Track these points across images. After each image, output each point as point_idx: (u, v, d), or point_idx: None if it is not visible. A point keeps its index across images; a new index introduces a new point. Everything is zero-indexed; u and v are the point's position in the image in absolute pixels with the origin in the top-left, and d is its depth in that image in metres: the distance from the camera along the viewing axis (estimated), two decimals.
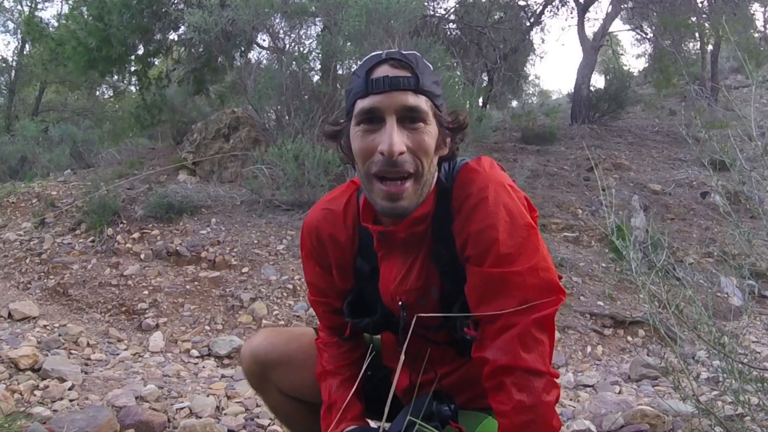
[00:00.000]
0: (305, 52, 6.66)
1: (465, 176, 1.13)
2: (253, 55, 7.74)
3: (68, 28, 7.05)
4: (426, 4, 8.30)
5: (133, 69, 7.93)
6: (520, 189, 1.16)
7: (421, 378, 1.23)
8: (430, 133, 1.06)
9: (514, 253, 1.07)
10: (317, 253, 1.30)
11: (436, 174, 1.14)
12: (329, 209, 1.27)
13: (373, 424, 1.40)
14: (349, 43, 5.75)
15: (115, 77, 8.66)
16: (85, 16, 6.80)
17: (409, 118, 1.04)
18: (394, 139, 1.01)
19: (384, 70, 1.04)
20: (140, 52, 7.59)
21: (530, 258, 1.07)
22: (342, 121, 1.14)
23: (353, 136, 1.08)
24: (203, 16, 6.02)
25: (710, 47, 11.39)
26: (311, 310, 3.59)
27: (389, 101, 1.02)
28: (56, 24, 9.79)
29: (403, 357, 0.79)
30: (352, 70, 1.15)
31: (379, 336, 1.40)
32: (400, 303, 1.21)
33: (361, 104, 1.05)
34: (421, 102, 1.04)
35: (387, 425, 1.16)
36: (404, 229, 1.13)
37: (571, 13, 10.64)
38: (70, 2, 8.95)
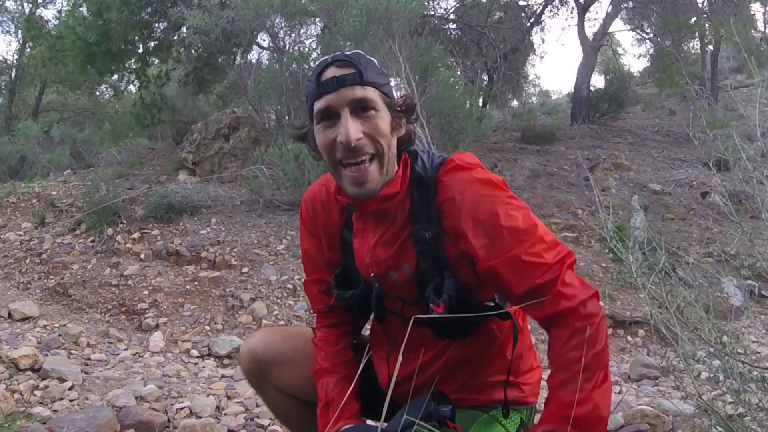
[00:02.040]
0: (305, 51, 6.66)
1: (451, 171, 1.23)
2: (253, 55, 7.75)
3: (67, 24, 7.03)
4: (426, 3, 8.30)
5: (132, 67, 7.92)
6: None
7: (404, 369, 1.27)
8: (383, 117, 1.17)
9: (516, 233, 1.16)
10: (311, 222, 1.41)
11: (396, 156, 1.23)
12: (325, 185, 1.39)
13: (370, 422, 1.40)
14: (349, 43, 5.75)
15: (115, 77, 8.66)
16: (85, 13, 6.79)
17: (361, 108, 1.15)
18: (349, 128, 1.12)
19: (331, 72, 1.15)
20: (140, 50, 7.58)
21: (533, 232, 1.16)
22: (306, 123, 1.25)
23: (316, 134, 1.19)
24: (203, 17, 6.02)
25: (710, 47, 11.38)
26: (311, 310, 3.59)
27: (340, 97, 1.14)
28: (56, 22, 9.79)
29: (400, 359, 0.82)
30: None
31: (368, 334, 1.42)
32: (372, 274, 1.29)
33: (317, 105, 1.16)
34: (369, 92, 1.15)
35: (385, 424, 1.16)
36: (372, 203, 1.22)
37: (571, 13, 10.65)
38: (71, 1, 8.94)
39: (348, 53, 1.18)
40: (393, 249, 1.25)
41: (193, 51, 7.57)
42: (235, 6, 6.06)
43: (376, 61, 1.22)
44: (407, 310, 1.27)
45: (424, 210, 1.22)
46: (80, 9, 7.17)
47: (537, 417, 1.26)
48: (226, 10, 6.18)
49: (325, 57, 1.21)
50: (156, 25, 7.31)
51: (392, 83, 1.27)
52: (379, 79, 1.18)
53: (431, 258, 1.22)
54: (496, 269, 1.15)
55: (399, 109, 1.22)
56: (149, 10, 6.85)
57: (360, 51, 1.21)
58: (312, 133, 1.22)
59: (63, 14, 10.43)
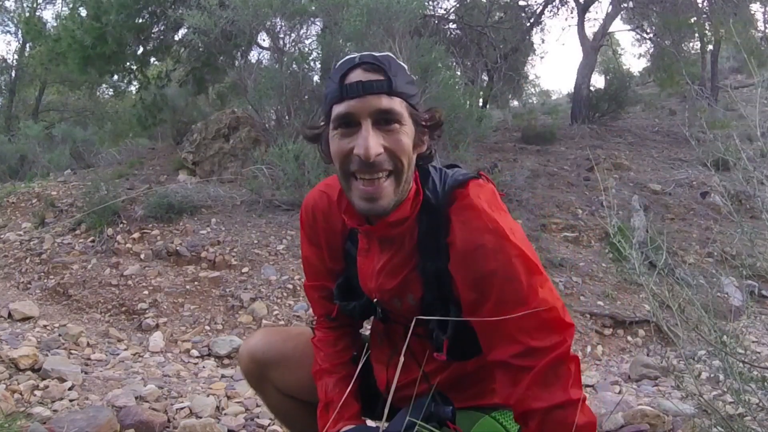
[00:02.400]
0: (305, 51, 6.66)
1: (463, 210, 1.11)
2: (253, 55, 7.75)
3: (65, 27, 7.03)
4: (426, 3, 8.30)
5: (131, 68, 7.91)
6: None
7: (406, 378, 1.24)
8: (407, 132, 1.07)
9: (514, 299, 1.06)
10: (312, 231, 1.35)
11: (417, 181, 1.16)
12: (326, 193, 1.32)
13: (370, 423, 1.40)
14: (349, 43, 5.75)
15: (115, 77, 8.65)
16: (83, 15, 6.80)
17: (384, 120, 1.05)
18: (370, 142, 1.03)
19: (357, 75, 1.05)
20: (137, 52, 7.57)
21: (531, 301, 1.06)
22: (321, 123, 1.16)
23: (331, 140, 1.10)
24: (202, 17, 6.02)
25: (710, 47, 11.38)
26: (311, 310, 3.59)
27: (363, 105, 1.04)
28: (55, 23, 9.77)
29: (402, 359, 0.80)
30: None
31: (368, 334, 1.42)
32: (375, 300, 1.25)
33: (337, 109, 1.06)
34: (395, 104, 1.05)
35: (385, 424, 1.16)
36: (380, 230, 1.15)
37: (571, 13, 10.65)
38: (69, 2, 8.93)
39: (377, 55, 1.08)
40: (398, 279, 1.20)
41: (193, 51, 7.58)
42: (234, 6, 6.06)
43: (406, 68, 1.13)
44: (415, 330, 1.24)
45: (432, 242, 1.14)
46: (79, 9, 7.15)
47: None
48: (225, 10, 6.18)
49: (352, 56, 1.10)
50: (154, 27, 7.30)
51: None
52: (408, 90, 1.08)
53: (436, 290, 1.16)
54: (479, 324, 1.09)
55: (424, 124, 1.13)
56: (147, 12, 6.83)
57: (391, 54, 1.11)
58: (326, 136, 1.13)
59: (62, 15, 10.40)
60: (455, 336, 1.15)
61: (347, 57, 1.11)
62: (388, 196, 1.08)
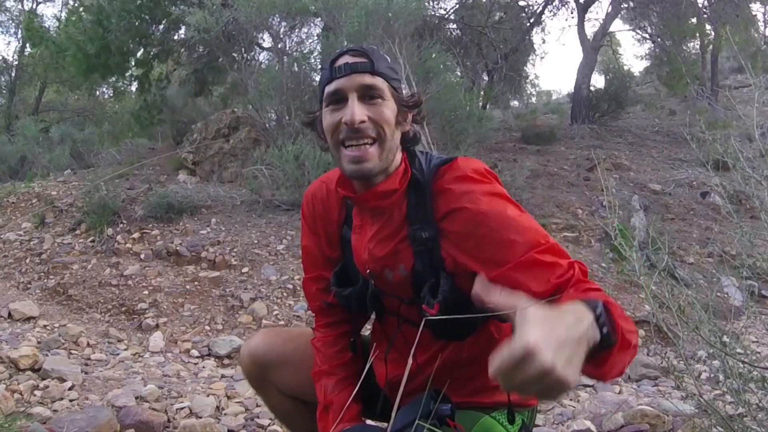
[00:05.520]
0: (306, 52, 6.66)
1: (448, 180, 1.20)
2: (254, 55, 7.74)
3: (68, 34, 7.01)
4: (426, 4, 8.30)
5: (134, 73, 7.90)
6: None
7: (399, 369, 1.26)
8: (389, 106, 1.20)
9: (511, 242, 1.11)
10: (311, 218, 1.42)
11: (401, 154, 1.25)
12: (325, 183, 1.41)
13: (370, 422, 1.40)
14: (348, 44, 5.75)
15: (115, 77, 8.64)
16: (84, 20, 6.77)
17: (369, 95, 1.18)
18: (355, 110, 1.16)
19: (344, 59, 1.21)
20: (140, 57, 7.56)
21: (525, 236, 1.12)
22: (316, 110, 1.29)
23: (324, 117, 1.22)
24: (204, 15, 6.02)
25: (710, 47, 11.37)
26: (309, 309, 3.60)
27: (350, 82, 1.18)
28: (56, 25, 9.77)
29: (411, 360, 0.82)
30: None
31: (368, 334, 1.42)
32: (368, 271, 1.29)
33: (328, 88, 1.20)
34: (378, 81, 1.19)
35: (385, 425, 1.16)
36: (370, 198, 1.23)
37: (572, 13, 10.67)
38: (69, 6, 8.91)
39: (364, 46, 1.24)
40: (389, 248, 1.25)
41: (194, 52, 7.57)
42: (236, 6, 6.05)
43: (389, 59, 1.27)
44: (404, 309, 1.28)
45: (421, 212, 1.22)
46: (80, 13, 7.12)
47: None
48: (227, 10, 6.17)
49: (343, 48, 1.26)
50: (154, 29, 7.28)
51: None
52: (389, 72, 1.22)
53: (427, 259, 1.21)
54: (506, 275, 1.10)
55: (405, 104, 1.25)
56: (148, 13, 6.80)
57: (375, 46, 1.27)
58: (320, 118, 1.25)
59: (63, 16, 10.40)
60: (446, 301, 1.17)
61: (338, 50, 1.26)
62: (374, 160, 1.18)
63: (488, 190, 1.17)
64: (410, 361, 0.82)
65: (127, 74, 7.81)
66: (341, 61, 1.21)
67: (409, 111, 1.27)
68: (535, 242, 1.10)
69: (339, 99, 1.19)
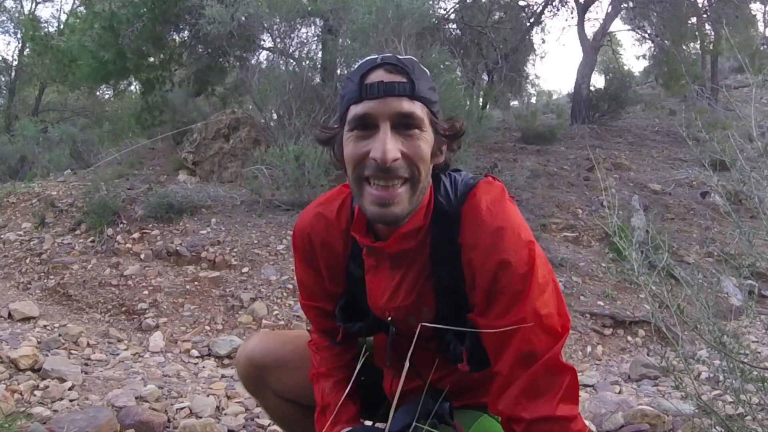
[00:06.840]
0: (307, 52, 6.66)
1: (472, 209, 1.08)
2: (256, 55, 7.73)
3: (80, 42, 6.92)
4: (430, 2, 8.29)
5: (149, 77, 7.85)
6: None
7: (409, 385, 1.21)
8: (426, 140, 1.03)
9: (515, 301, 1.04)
10: (309, 256, 1.28)
11: (430, 189, 1.12)
12: (322, 214, 1.24)
13: (369, 424, 1.40)
14: (353, 43, 5.74)
15: (128, 81, 8.60)
16: (95, 28, 6.68)
17: (404, 124, 1.00)
18: (387, 146, 0.97)
19: (378, 75, 1.01)
20: (151, 59, 7.52)
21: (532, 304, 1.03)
22: (335, 126, 1.10)
23: (346, 142, 1.04)
24: (220, 9, 5.99)
25: (711, 46, 11.36)
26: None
27: (383, 107, 0.99)
28: (57, 26, 9.74)
29: (408, 364, 0.78)
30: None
31: (371, 337, 1.39)
32: (389, 318, 1.20)
33: (355, 110, 1.01)
34: (417, 108, 1.01)
35: (384, 425, 1.16)
36: (394, 245, 1.09)
37: (572, 13, 10.65)
38: (73, 10, 8.84)
39: (401, 57, 1.04)
40: (413, 295, 1.15)
41: (194, 52, 7.55)
42: (247, 2, 6.02)
43: (428, 73, 1.07)
44: (423, 342, 1.21)
45: (446, 246, 1.09)
46: (91, 19, 7.04)
47: None
48: (242, 5, 6.12)
49: (373, 56, 1.05)
50: (169, 32, 7.23)
51: None
52: (430, 95, 1.03)
53: (451, 302, 1.13)
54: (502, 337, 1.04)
55: (444, 133, 1.08)
56: (161, 18, 6.72)
57: (414, 58, 1.06)
58: (340, 139, 1.07)
59: (62, 17, 10.37)
60: (473, 346, 1.10)
61: (368, 58, 1.05)
62: (402, 204, 1.02)
63: (507, 230, 1.04)
64: (407, 364, 0.77)
65: (143, 75, 7.68)
66: (374, 77, 1.00)
67: (448, 141, 1.10)
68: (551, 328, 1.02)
69: (367, 125, 1.00)
